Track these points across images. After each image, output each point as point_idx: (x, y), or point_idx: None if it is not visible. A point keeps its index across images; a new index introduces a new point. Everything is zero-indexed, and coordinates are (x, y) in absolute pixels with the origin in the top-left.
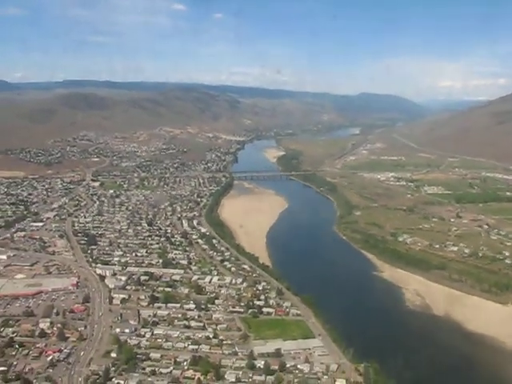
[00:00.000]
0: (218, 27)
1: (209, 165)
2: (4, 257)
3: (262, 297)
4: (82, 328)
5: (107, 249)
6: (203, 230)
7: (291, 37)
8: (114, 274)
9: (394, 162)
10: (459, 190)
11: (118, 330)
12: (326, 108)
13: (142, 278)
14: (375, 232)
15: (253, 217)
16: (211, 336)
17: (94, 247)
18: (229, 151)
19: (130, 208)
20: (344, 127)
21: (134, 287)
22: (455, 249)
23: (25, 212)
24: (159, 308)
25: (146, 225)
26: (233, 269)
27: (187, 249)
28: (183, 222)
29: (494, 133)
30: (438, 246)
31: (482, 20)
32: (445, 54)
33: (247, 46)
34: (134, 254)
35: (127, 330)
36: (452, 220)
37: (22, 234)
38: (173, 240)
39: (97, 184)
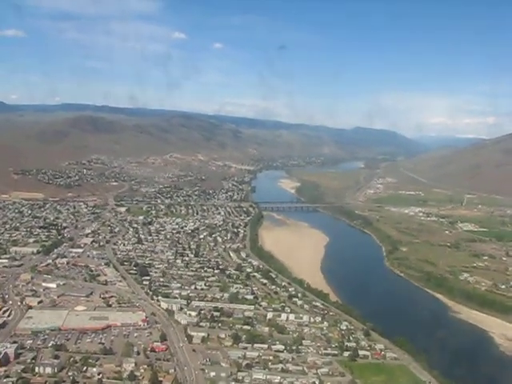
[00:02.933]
0: (215, 57)
1: (229, 193)
2: (53, 285)
3: (351, 338)
4: (172, 370)
5: (162, 280)
6: (254, 262)
7: (285, 69)
8: (181, 309)
9: (413, 196)
10: (493, 227)
11: (213, 373)
12: (324, 140)
13: (213, 313)
14: (431, 269)
15: (298, 250)
16: (317, 382)
17: (146, 278)
18: (243, 180)
19: (168, 236)
20: (346, 160)
21: (208, 324)
22: None
23: (59, 237)
24: (245, 348)
25: (192, 255)
26: (305, 306)
27: (247, 283)
28: (230, 253)
29: (508, 170)
30: (504, 287)
31: (472, 60)
32: (436, 91)
33: (242, 76)
34: (193, 287)
35: (223, 374)
36: (504, 258)
37: (64, 260)
38: (227, 273)
39: (123, 209)
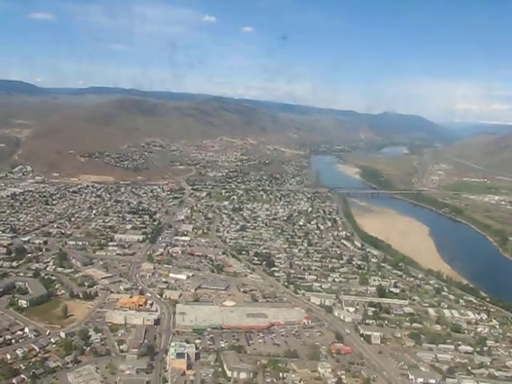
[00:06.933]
0: (244, 41)
1: (297, 179)
2: (183, 277)
3: None
4: (373, 376)
5: (292, 271)
6: (374, 252)
7: (312, 53)
8: (334, 305)
9: (481, 184)
10: None
11: (420, 379)
12: (357, 125)
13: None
14: None
15: (406, 239)
16: None
17: (275, 269)
18: (302, 165)
19: (267, 223)
20: (386, 145)
21: (375, 322)
22: None
23: (154, 223)
24: (431, 350)
25: (306, 244)
26: (460, 301)
27: (381, 274)
28: (344, 242)
29: None
30: None
31: (498, 45)
32: (462, 77)
33: (269, 60)
34: (329, 280)
35: (432, 381)
36: None
37: (178, 249)
38: (354, 263)
39: (203, 194)
